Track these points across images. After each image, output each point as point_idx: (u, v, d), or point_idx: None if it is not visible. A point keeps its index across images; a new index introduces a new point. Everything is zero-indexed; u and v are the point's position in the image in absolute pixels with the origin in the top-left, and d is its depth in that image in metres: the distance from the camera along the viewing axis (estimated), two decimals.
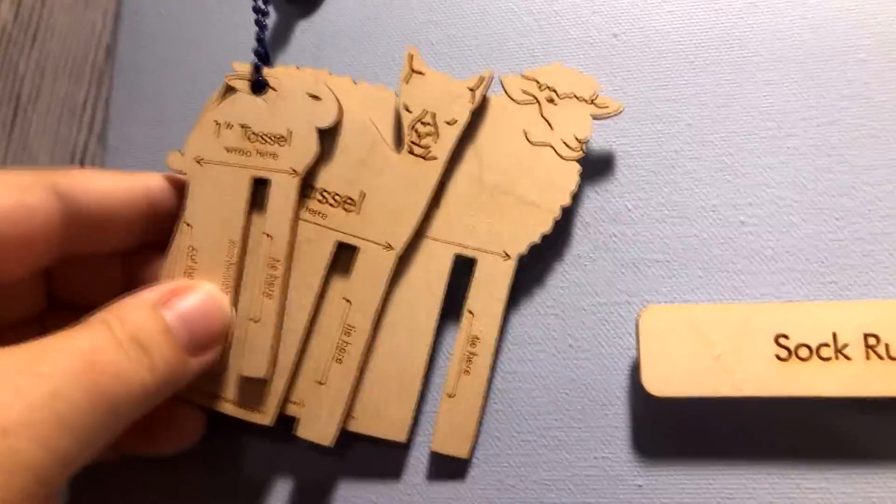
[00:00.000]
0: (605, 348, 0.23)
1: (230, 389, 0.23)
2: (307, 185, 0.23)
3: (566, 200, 0.23)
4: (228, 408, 0.23)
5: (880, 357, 0.21)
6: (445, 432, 0.23)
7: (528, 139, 0.23)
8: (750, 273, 0.23)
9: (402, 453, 0.23)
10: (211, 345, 0.21)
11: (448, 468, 0.23)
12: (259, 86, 0.23)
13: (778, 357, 0.21)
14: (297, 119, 0.23)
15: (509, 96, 0.24)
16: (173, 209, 0.23)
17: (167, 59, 0.29)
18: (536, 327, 0.24)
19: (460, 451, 0.23)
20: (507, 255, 0.23)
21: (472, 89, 0.23)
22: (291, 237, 0.23)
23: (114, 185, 0.22)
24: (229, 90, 0.24)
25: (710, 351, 0.22)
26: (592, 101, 0.23)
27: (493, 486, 0.23)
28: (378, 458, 0.23)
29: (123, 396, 0.18)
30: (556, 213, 0.23)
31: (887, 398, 0.21)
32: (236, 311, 0.23)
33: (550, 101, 0.23)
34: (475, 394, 0.23)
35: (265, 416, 0.22)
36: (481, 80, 0.23)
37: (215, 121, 0.24)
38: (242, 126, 0.23)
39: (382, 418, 0.23)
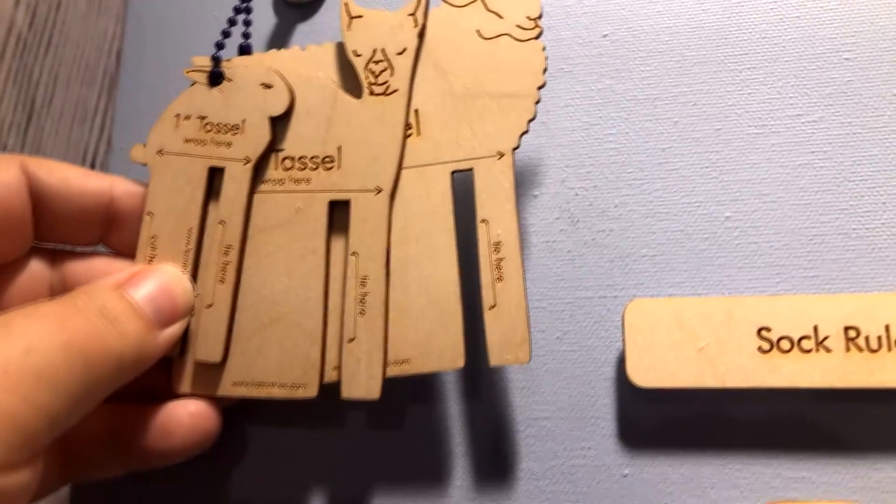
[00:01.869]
0: (593, 341, 0.24)
1: (269, 374, 0.23)
2: (286, 158, 0.24)
3: (540, 80, 0.23)
4: (274, 391, 0.23)
5: (860, 349, 0.21)
6: (499, 344, 0.22)
7: (481, 36, 0.23)
8: (734, 267, 0.24)
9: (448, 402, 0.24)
10: (175, 319, 0.22)
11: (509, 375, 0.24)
12: (215, 77, 0.24)
13: (760, 349, 0.22)
14: (249, 108, 0.24)
15: (449, 3, 0.24)
16: (138, 212, 0.24)
17: (170, 63, 0.30)
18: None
19: (520, 357, 0.22)
20: (500, 153, 0.23)
21: (411, 14, 0.24)
22: (244, 223, 0.23)
23: (77, 174, 0.23)
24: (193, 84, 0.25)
25: (693, 343, 0.22)
26: None
27: (479, 477, 0.23)
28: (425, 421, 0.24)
29: (98, 358, 0.19)
30: (535, 95, 0.23)
31: (867, 389, 0.21)
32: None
33: None
34: (516, 296, 0.22)
35: (309, 389, 0.23)
36: (417, 2, 0.24)
37: (175, 114, 0.24)
38: (200, 117, 0.24)
39: (434, 352, 0.22)
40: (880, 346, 0.21)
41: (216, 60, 0.24)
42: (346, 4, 0.24)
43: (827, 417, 0.22)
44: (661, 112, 0.25)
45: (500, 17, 0.23)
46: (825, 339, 0.22)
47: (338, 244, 0.24)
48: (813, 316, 0.22)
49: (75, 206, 0.22)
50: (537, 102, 0.23)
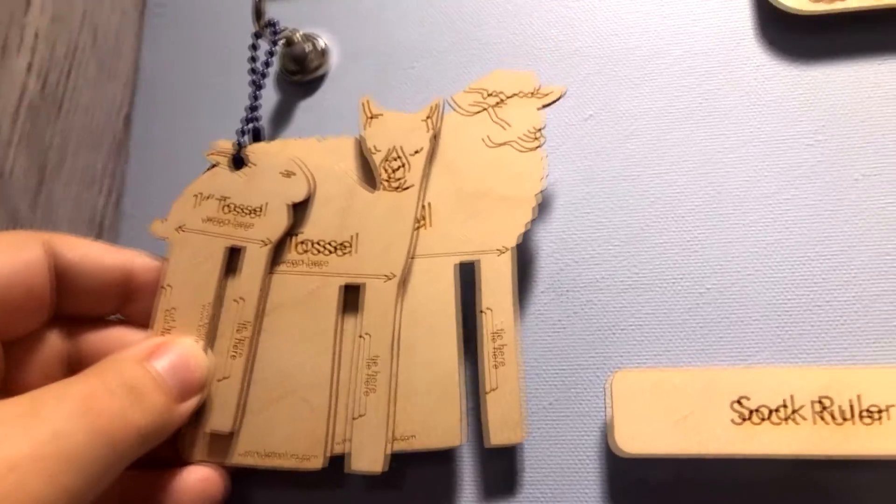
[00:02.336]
0: (581, 408, 0.25)
1: (278, 445, 0.24)
2: (303, 242, 0.26)
3: (539, 186, 0.25)
4: (283, 462, 0.24)
5: (830, 420, 0.23)
6: (498, 425, 0.24)
7: (489, 143, 0.26)
8: (713, 338, 0.25)
9: (453, 467, 0.25)
10: (194, 392, 0.23)
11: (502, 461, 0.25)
12: (238, 162, 0.26)
13: (739, 418, 0.23)
14: (271, 194, 0.25)
15: (462, 111, 0.26)
16: (154, 285, 0.25)
17: (179, 130, 0.31)
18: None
19: (515, 437, 0.24)
20: (502, 249, 0.25)
21: (425, 119, 0.26)
22: (260, 302, 0.25)
23: (97, 250, 0.24)
24: (214, 165, 0.26)
25: (675, 412, 0.23)
26: (536, 93, 0.26)
27: None
28: (428, 477, 0.25)
29: (121, 435, 0.20)
30: (534, 200, 0.25)
31: (837, 458, 0.22)
32: None
33: (499, 104, 0.26)
34: (513, 382, 0.24)
35: (316, 461, 0.24)
36: (432, 108, 0.26)
37: (196, 193, 0.26)
38: (221, 198, 0.26)
39: (434, 430, 0.24)
40: (850, 416, 0.23)
41: (240, 146, 0.26)
42: (365, 104, 0.26)
43: (800, 485, 0.23)
44: (642, 190, 0.27)
45: (506, 126, 0.26)
46: (798, 409, 0.23)
47: (349, 324, 0.25)
48: (787, 387, 0.23)
49: (95, 281, 0.24)
50: (536, 206, 0.25)
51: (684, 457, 0.23)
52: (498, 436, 0.24)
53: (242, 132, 0.27)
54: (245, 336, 0.25)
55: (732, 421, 0.23)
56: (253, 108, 0.27)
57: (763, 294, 0.25)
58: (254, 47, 0.28)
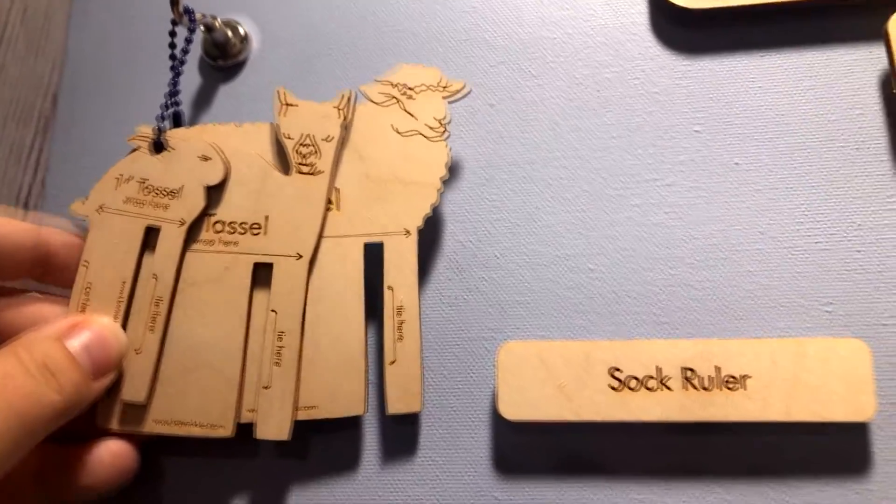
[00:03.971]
0: (473, 377, 0.27)
1: (189, 414, 0.26)
2: (217, 221, 0.27)
3: (443, 172, 0.27)
4: (194, 430, 0.25)
5: (695, 388, 0.25)
6: (396, 395, 0.26)
7: (397, 132, 0.27)
8: (595, 313, 0.27)
9: (357, 433, 0.27)
10: (109, 370, 0.24)
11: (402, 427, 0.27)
12: (158, 146, 0.27)
13: (611, 387, 0.25)
14: (188, 177, 0.27)
15: (372, 101, 0.28)
16: (72, 259, 0.26)
17: (101, 111, 0.32)
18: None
19: (412, 406, 0.26)
20: (407, 231, 0.26)
21: (337, 107, 0.27)
22: (175, 278, 0.26)
23: (9, 225, 0.25)
24: (135, 149, 0.27)
25: (555, 381, 0.25)
26: (440, 85, 0.27)
27: (370, 501, 0.26)
28: (334, 443, 0.27)
29: (35, 414, 0.21)
30: (438, 185, 0.27)
31: (701, 422, 0.24)
32: None
33: (407, 96, 0.28)
34: (413, 355, 0.26)
35: (226, 429, 0.25)
36: (343, 97, 0.27)
37: (117, 175, 0.27)
38: (140, 180, 0.27)
39: (339, 400, 0.26)
40: (712, 384, 0.25)
41: (160, 131, 0.27)
42: (281, 93, 0.27)
43: (669, 447, 0.25)
44: (536, 174, 0.28)
45: (414, 117, 0.27)
46: (667, 378, 0.25)
47: (259, 301, 0.26)
48: (657, 358, 0.25)
49: (5, 253, 0.25)
50: (439, 191, 0.27)
51: (563, 423, 0.25)
52: (396, 405, 0.26)
53: (162, 117, 0.28)
54: (160, 311, 0.26)
55: (607, 388, 0.25)
56: (173, 94, 0.28)
57: (642, 273, 0.27)
58: (172, 34, 0.28)
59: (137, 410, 0.26)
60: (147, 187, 0.27)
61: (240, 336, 0.26)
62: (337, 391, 0.26)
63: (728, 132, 0.28)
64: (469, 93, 0.28)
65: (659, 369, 0.25)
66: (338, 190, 0.27)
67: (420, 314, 0.26)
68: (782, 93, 0.28)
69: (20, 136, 0.37)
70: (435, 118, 0.27)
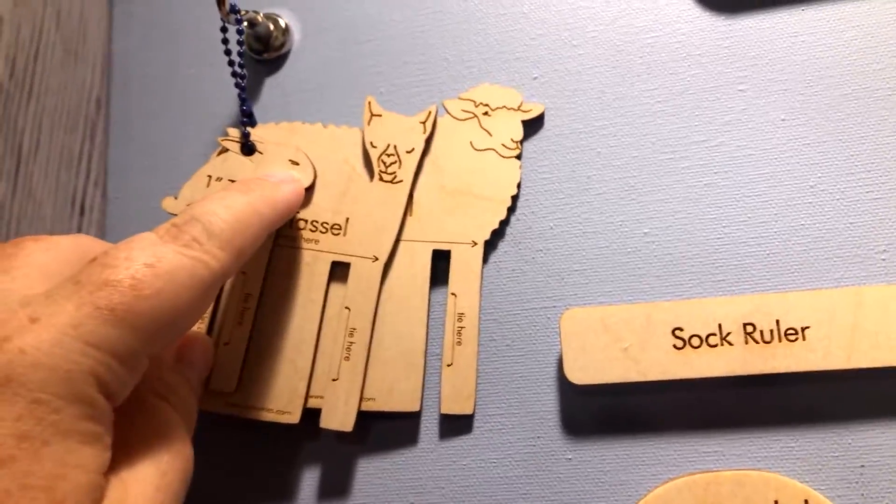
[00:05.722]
0: (536, 346, 0.28)
1: (261, 399, 0.27)
2: (301, 220, 0.28)
3: (513, 191, 0.28)
4: (263, 414, 0.27)
5: (756, 342, 0.25)
6: (450, 396, 0.27)
7: (473, 147, 0.29)
8: (653, 276, 0.28)
9: (415, 422, 0.28)
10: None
11: (457, 426, 0.28)
12: (248, 149, 0.28)
13: (675, 346, 0.26)
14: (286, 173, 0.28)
15: (452, 116, 0.29)
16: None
17: (155, 113, 0.33)
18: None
19: (465, 408, 0.27)
20: (474, 242, 0.28)
21: (422, 122, 0.29)
22: (264, 276, 0.27)
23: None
24: (223, 150, 0.28)
25: (619, 344, 0.26)
26: (519, 108, 0.29)
27: (445, 466, 0.27)
28: (393, 434, 0.28)
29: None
30: (508, 202, 0.28)
31: (763, 375, 0.25)
32: (211, 335, 0.28)
33: (486, 114, 0.29)
34: (469, 359, 0.27)
35: (293, 416, 0.27)
36: (428, 114, 0.29)
37: (208, 175, 0.28)
38: (231, 181, 0.28)
39: (396, 395, 0.27)
40: (773, 338, 0.25)
41: (247, 135, 0.28)
42: (369, 103, 0.29)
43: (733, 401, 0.26)
44: (585, 144, 0.29)
45: (491, 135, 0.29)
46: (728, 334, 0.26)
47: (334, 297, 0.28)
48: (717, 315, 0.26)
49: None
50: (509, 208, 0.28)
51: (629, 383, 0.26)
52: (450, 405, 0.27)
53: (242, 122, 0.29)
54: (249, 306, 0.27)
55: (671, 348, 0.26)
56: (242, 97, 0.29)
57: (696, 234, 0.28)
58: (224, 33, 0.29)
59: (215, 392, 0.27)
60: None
61: (314, 329, 0.27)
62: (395, 387, 0.27)
63: (772, 89, 0.28)
64: (543, 112, 0.29)
65: (720, 326, 0.26)
66: (413, 197, 0.28)
67: (479, 322, 0.28)
68: (825, 45, 0.28)
69: (69, 143, 0.38)
70: (512, 139, 0.28)
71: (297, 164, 0.28)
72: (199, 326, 0.28)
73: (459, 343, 0.27)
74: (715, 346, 0.26)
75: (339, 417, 0.27)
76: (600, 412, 0.27)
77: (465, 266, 0.28)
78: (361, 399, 0.27)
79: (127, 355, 0.19)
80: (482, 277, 0.28)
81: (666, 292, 0.27)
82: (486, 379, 0.28)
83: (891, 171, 0.27)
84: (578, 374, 0.26)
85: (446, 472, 0.27)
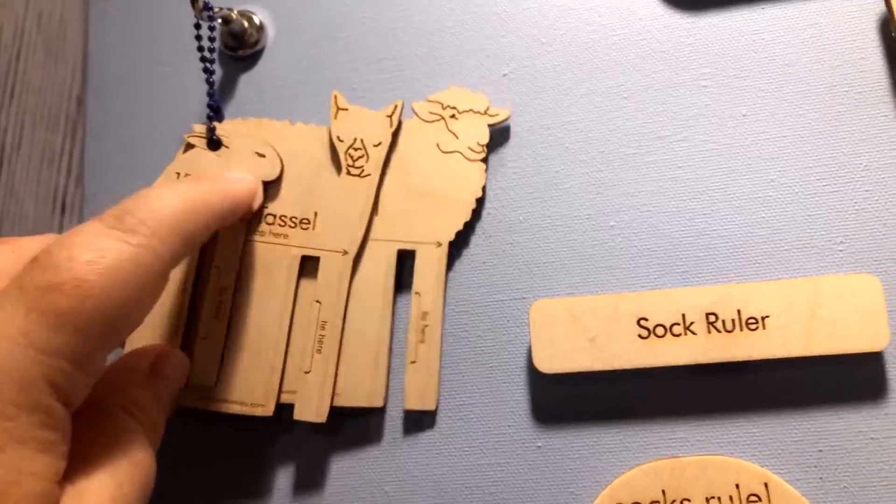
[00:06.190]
0: (506, 336, 0.28)
1: (234, 393, 0.27)
2: (270, 215, 0.28)
3: (478, 193, 0.29)
4: (236, 408, 0.27)
5: (718, 331, 0.26)
6: (414, 393, 0.28)
7: (440, 149, 0.29)
8: (619, 268, 0.28)
9: (384, 416, 0.28)
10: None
11: (419, 422, 0.28)
12: (214, 143, 0.29)
13: (640, 336, 0.27)
14: (245, 172, 0.28)
15: (420, 118, 0.29)
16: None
17: (131, 110, 0.33)
18: (451, 324, 0.29)
19: (427, 404, 0.28)
20: (439, 243, 0.28)
21: (388, 116, 0.29)
22: (237, 269, 0.28)
23: None
24: (189, 145, 0.29)
25: (586, 334, 0.27)
26: (486, 112, 0.29)
27: (419, 454, 0.28)
28: (359, 427, 0.29)
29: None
30: (472, 204, 0.29)
31: (725, 363, 0.26)
32: (190, 331, 0.28)
33: (453, 116, 0.29)
34: (432, 357, 0.28)
35: (266, 409, 0.27)
36: (395, 107, 0.29)
37: (176, 171, 0.28)
38: None
39: (361, 391, 0.28)
40: (734, 327, 0.26)
41: (212, 129, 0.29)
42: (335, 97, 0.29)
43: (696, 389, 0.27)
44: (553, 139, 0.30)
45: (457, 137, 0.29)
46: (691, 324, 0.26)
47: (304, 291, 0.28)
48: (680, 306, 0.27)
49: None
50: (474, 210, 0.29)
51: (596, 372, 0.27)
52: (412, 402, 0.28)
53: (209, 117, 0.29)
54: (224, 300, 0.28)
55: (636, 337, 0.27)
56: (211, 92, 0.30)
57: (660, 227, 0.28)
58: (197, 30, 0.30)
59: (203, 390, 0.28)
60: None
61: (285, 322, 0.28)
62: (360, 383, 0.28)
63: (734, 85, 0.29)
64: (509, 117, 0.29)
65: (683, 316, 0.27)
66: (379, 197, 0.29)
67: (444, 320, 0.29)
68: (785, 43, 0.29)
69: (50, 141, 0.39)
70: (478, 143, 0.29)
71: (263, 156, 0.29)
72: (178, 322, 0.28)
73: (423, 341, 0.28)
74: (679, 335, 0.26)
75: (313, 408, 0.27)
76: (569, 401, 0.28)
77: (429, 266, 0.28)
78: (334, 392, 0.27)
79: (81, 358, 0.19)
80: (446, 278, 0.29)
81: (632, 283, 0.28)
82: (456, 370, 0.28)
83: (846, 165, 0.28)
84: (547, 364, 0.27)
85: (418, 463, 0.28)
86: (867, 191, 0.27)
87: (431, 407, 0.28)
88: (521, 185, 0.29)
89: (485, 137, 0.29)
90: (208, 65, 0.30)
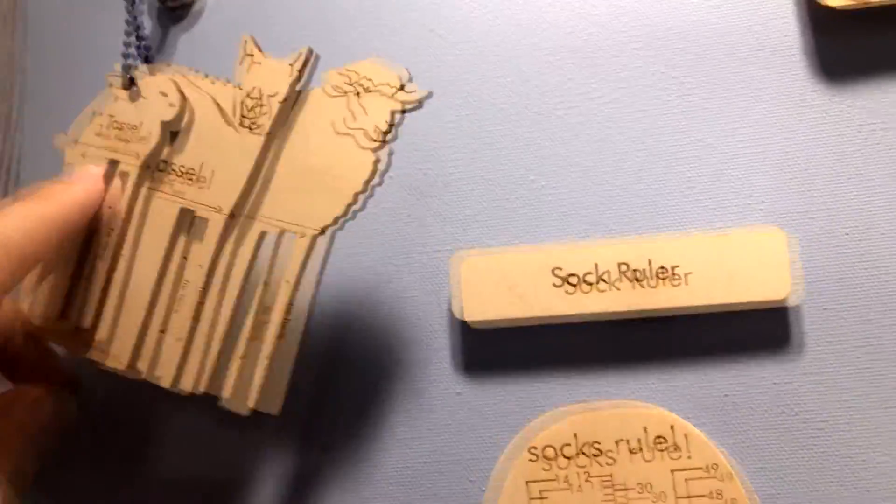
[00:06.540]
0: (433, 287, 0.30)
1: (102, 338, 0.27)
2: (172, 168, 0.27)
3: (359, 187, 0.25)
4: (95, 354, 0.27)
5: (629, 280, 0.27)
6: (233, 388, 0.26)
7: (334, 129, 0.25)
8: (546, 225, 0.29)
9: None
10: None
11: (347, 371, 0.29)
12: (129, 83, 0.28)
13: (554, 285, 0.28)
14: (148, 113, 0.28)
15: (324, 91, 0.26)
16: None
17: (68, 66, 0.35)
18: (374, 276, 0.30)
19: (240, 407, 0.26)
20: (303, 232, 0.25)
21: (291, 65, 0.26)
22: (128, 213, 0.27)
23: None
24: (110, 85, 0.29)
25: (507, 284, 0.28)
26: (398, 91, 0.25)
27: (346, 398, 0.29)
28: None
29: None
30: (350, 198, 0.25)
31: (637, 314, 0.27)
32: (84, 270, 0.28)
33: (358, 94, 0.25)
34: (264, 357, 0.26)
35: (120, 362, 0.27)
36: (299, 55, 0.26)
37: (92, 111, 0.29)
38: (109, 115, 0.28)
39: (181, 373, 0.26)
40: (645, 277, 0.27)
41: (126, 68, 0.29)
42: (244, 42, 0.27)
43: (613, 340, 0.28)
44: (488, 100, 0.31)
45: (355, 118, 0.25)
46: (605, 273, 0.27)
47: (176, 252, 0.27)
48: (594, 256, 0.27)
49: None
50: (351, 204, 0.25)
51: (517, 321, 0.28)
52: (229, 400, 0.26)
53: (126, 55, 0.30)
54: (110, 241, 0.27)
55: (552, 287, 0.28)
56: (139, 35, 0.30)
57: (590, 186, 0.29)
58: None
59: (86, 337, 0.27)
60: (114, 123, 0.28)
61: (162, 280, 0.27)
62: (185, 362, 0.26)
63: (664, 48, 0.30)
64: (424, 99, 0.25)
65: (596, 266, 0.27)
66: (275, 166, 0.26)
67: (287, 320, 0.26)
68: (711, 6, 0.30)
69: (4, 112, 0.40)
70: (376, 128, 0.25)
71: (165, 95, 0.29)
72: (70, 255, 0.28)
73: (255, 338, 0.26)
74: (592, 283, 0.27)
75: (187, 377, 0.26)
76: (489, 351, 0.29)
77: (286, 255, 0.26)
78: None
79: None
80: (302, 272, 0.26)
81: (556, 238, 0.29)
82: (383, 322, 0.30)
83: (769, 126, 0.28)
84: (469, 313, 0.28)
85: (346, 412, 0.29)
86: (786, 151, 0.28)
87: (244, 411, 0.26)
88: (455, 147, 0.30)
89: (384, 124, 0.25)
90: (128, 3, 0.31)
